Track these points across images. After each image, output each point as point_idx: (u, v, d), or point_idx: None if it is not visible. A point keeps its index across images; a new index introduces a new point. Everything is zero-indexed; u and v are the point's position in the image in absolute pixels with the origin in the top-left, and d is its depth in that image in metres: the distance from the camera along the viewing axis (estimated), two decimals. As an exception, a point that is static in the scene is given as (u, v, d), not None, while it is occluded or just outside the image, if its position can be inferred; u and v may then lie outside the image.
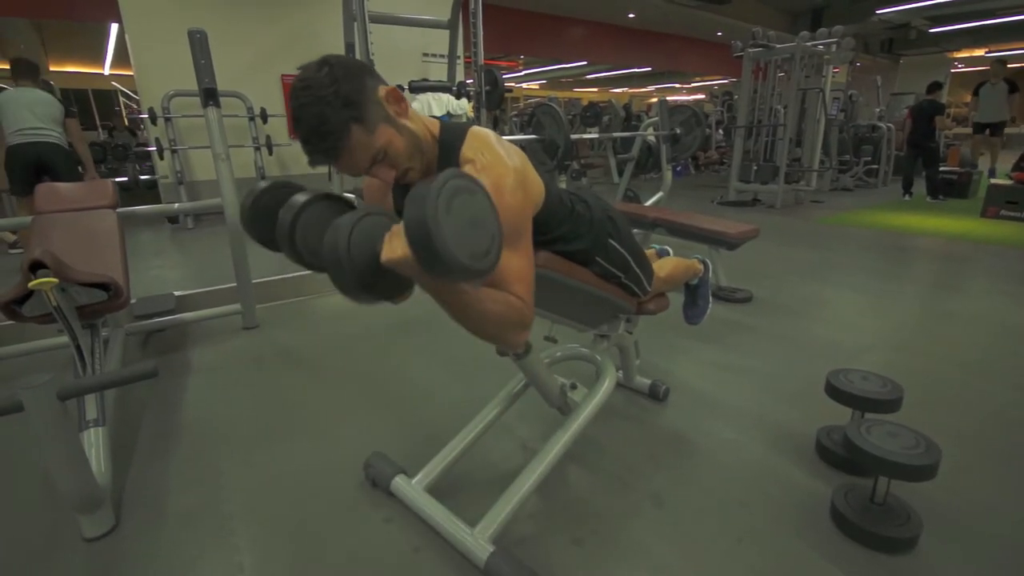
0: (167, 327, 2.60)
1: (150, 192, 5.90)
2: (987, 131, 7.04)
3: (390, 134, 0.95)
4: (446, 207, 0.72)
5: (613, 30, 11.85)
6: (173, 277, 3.57)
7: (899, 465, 1.16)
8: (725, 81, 16.67)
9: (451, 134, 1.03)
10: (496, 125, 9.48)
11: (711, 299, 1.87)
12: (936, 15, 12.07)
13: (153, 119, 5.16)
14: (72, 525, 1.33)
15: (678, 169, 9.38)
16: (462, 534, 1.22)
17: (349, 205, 1.03)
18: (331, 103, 0.87)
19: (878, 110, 9.78)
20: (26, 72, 3.90)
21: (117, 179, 3.65)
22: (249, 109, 5.59)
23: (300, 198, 0.96)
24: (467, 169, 0.98)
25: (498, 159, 0.98)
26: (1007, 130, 7.36)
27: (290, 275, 3.26)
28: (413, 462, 1.46)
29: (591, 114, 8.52)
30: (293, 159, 6.28)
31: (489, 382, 1.78)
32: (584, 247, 1.24)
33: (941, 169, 7.01)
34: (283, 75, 5.90)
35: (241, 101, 5.53)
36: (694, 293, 1.87)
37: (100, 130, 10.38)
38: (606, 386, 1.46)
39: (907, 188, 6.90)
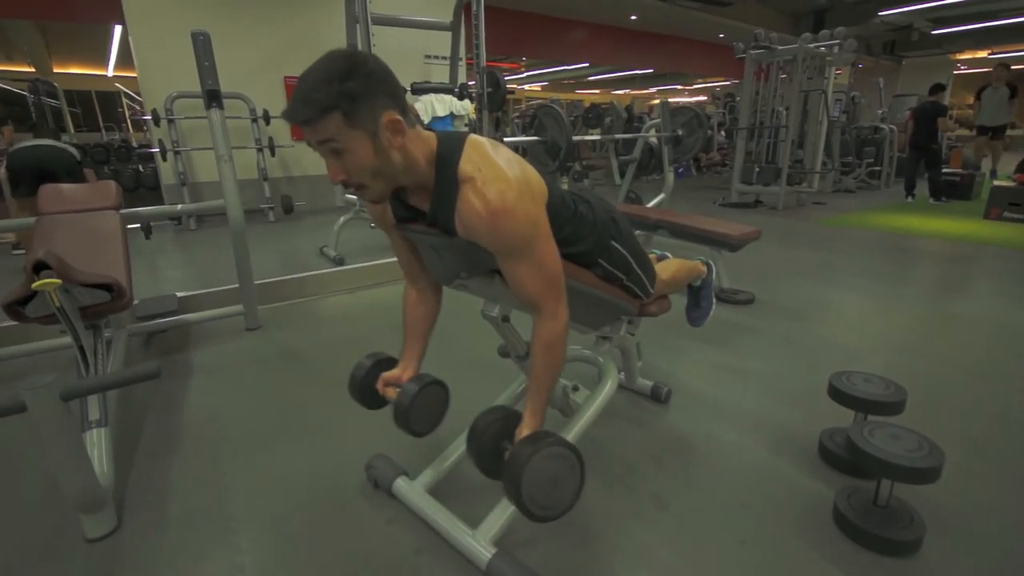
0: (169, 328, 2.61)
1: (152, 193, 5.93)
2: (989, 134, 7.05)
3: (363, 145, 0.93)
4: (531, 483, 1.00)
5: (615, 32, 11.86)
6: (176, 278, 3.58)
7: (902, 468, 1.16)
8: (727, 83, 16.67)
9: (449, 147, 1.01)
10: (498, 127, 9.48)
11: (714, 301, 1.87)
12: (938, 17, 12.06)
13: (156, 121, 5.17)
14: (74, 525, 1.33)
15: (680, 171, 9.38)
16: (464, 536, 1.22)
17: (441, 386, 1.30)
18: (332, 85, 0.88)
19: (880, 112, 9.77)
20: (45, 132, 4.07)
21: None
22: (252, 111, 5.60)
23: (411, 388, 1.24)
24: (467, 188, 0.97)
25: (497, 172, 0.98)
26: (1010, 132, 7.36)
27: (292, 276, 3.26)
28: (415, 464, 1.46)
29: (593, 116, 8.53)
30: (295, 161, 6.29)
31: (491, 383, 1.78)
32: (586, 249, 1.24)
33: (944, 171, 7.00)
34: (286, 77, 5.92)
35: (244, 103, 5.54)
36: (697, 295, 1.87)
37: (103, 131, 10.41)
38: (608, 388, 1.46)
39: (909, 190, 6.90)
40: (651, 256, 1.71)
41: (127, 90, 12.40)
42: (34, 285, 1.53)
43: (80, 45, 10.27)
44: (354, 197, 4.09)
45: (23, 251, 4.37)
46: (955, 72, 16.06)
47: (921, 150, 6.75)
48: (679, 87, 20.63)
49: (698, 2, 9.91)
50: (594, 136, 7.23)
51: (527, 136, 4.74)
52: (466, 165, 0.98)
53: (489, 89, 4.17)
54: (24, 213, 3.93)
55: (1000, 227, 5.20)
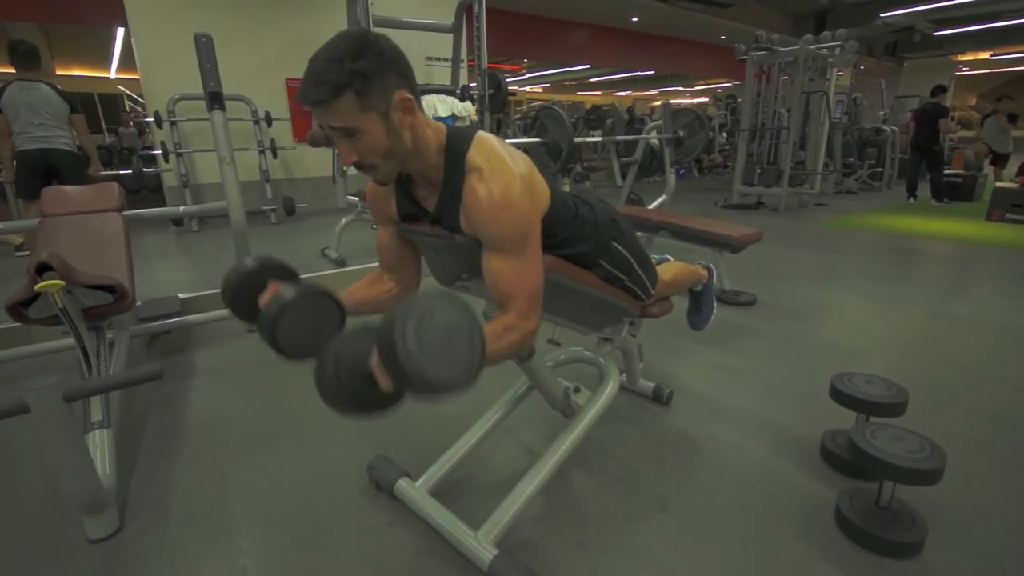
0: (172, 329, 2.61)
1: (154, 195, 5.95)
2: (993, 157, 7.29)
3: (376, 126, 0.93)
4: (415, 335, 0.73)
5: (616, 33, 11.86)
6: (178, 280, 3.59)
7: (904, 469, 1.16)
8: (729, 84, 16.67)
9: (458, 139, 1.03)
10: (499, 128, 9.50)
11: (715, 305, 1.87)
12: (940, 18, 12.05)
13: (159, 122, 5.19)
14: (77, 526, 1.33)
15: (681, 172, 9.38)
16: (466, 537, 1.22)
17: (331, 298, 1.07)
18: (345, 63, 0.87)
19: (882, 113, 9.76)
20: (27, 60, 3.70)
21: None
22: (254, 112, 5.62)
23: (287, 293, 0.98)
24: (473, 176, 0.98)
25: (505, 166, 0.98)
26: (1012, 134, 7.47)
27: (294, 278, 3.27)
28: (417, 465, 1.46)
29: (594, 117, 8.54)
30: (297, 163, 6.31)
31: (492, 385, 1.78)
32: (588, 250, 1.24)
33: (946, 172, 7.01)
34: (287, 79, 5.94)
35: (246, 104, 5.56)
36: (698, 299, 1.87)
37: (106, 133, 10.44)
38: (610, 389, 1.46)
39: (911, 191, 6.89)
40: (652, 259, 1.71)
41: (130, 92, 12.45)
42: (37, 287, 1.54)
43: (83, 47, 10.30)
44: (356, 199, 4.10)
45: (27, 252, 4.38)
46: (957, 73, 16.06)
47: (923, 151, 6.75)
48: (680, 89, 20.64)
49: (699, 4, 9.92)
50: (596, 138, 7.24)
51: (529, 138, 4.74)
52: (475, 156, 0.99)
53: (491, 91, 4.18)
54: (32, 213, 3.94)
55: (1002, 229, 5.19)
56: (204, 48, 2.34)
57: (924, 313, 2.89)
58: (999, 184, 5.82)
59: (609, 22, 11.33)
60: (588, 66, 14.10)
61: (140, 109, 10.39)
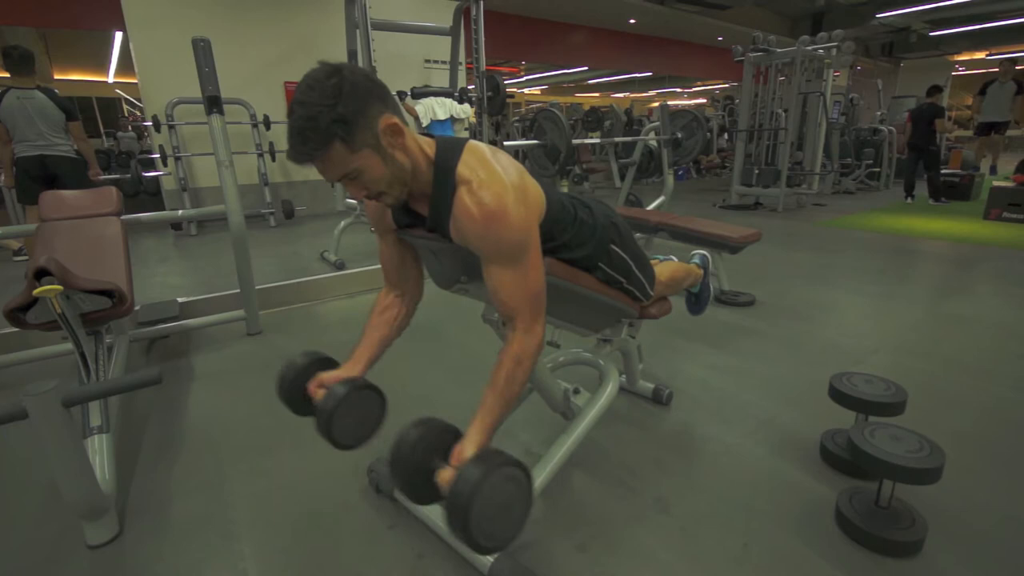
0: (171, 333, 2.61)
1: (153, 199, 5.94)
2: (991, 131, 7.08)
3: (372, 161, 0.94)
4: (479, 529, 0.87)
5: (614, 35, 11.89)
6: (176, 284, 3.58)
7: (903, 468, 1.16)
8: (726, 85, 16.71)
9: (447, 153, 1.02)
10: (498, 130, 9.50)
11: (712, 289, 1.93)
12: (936, 18, 12.10)
13: (157, 126, 5.19)
14: (76, 532, 1.33)
15: (680, 173, 9.40)
16: (466, 540, 1.22)
17: (376, 392, 1.18)
18: (324, 114, 0.87)
19: (879, 113, 9.78)
20: (22, 66, 3.67)
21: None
22: (252, 116, 5.62)
23: (339, 390, 1.10)
24: (463, 190, 0.97)
25: (495, 177, 0.97)
26: (1009, 132, 7.40)
27: (293, 281, 3.27)
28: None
29: (592, 119, 8.55)
30: (295, 167, 6.30)
31: (492, 387, 1.78)
32: (587, 253, 1.25)
33: (943, 172, 7.01)
34: (286, 82, 5.94)
35: (244, 108, 5.56)
36: (697, 295, 1.91)
37: (104, 137, 10.44)
38: (609, 390, 1.46)
39: (909, 191, 6.91)
40: (653, 261, 1.72)
41: (128, 96, 12.45)
42: (35, 292, 1.54)
43: (80, 51, 10.31)
44: (354, 202, 4.11)
45: (25, 257, 4.38)
46: (953, 73, 16.10)
47: (920, 151, 6.76)
48: (678, 90, 20.68)
49: (696, 5, 9.94)
50: (594, 139, 7.25)
51: (527, 140, 4.75)
52: (464, 169, 0.99)
53: (489, 93, 4.18)
54: (34, 219, 3.93)
55: (1000, 227, 5.20)
56: (202, 52, 2.34)
57: (922, 312, 2.90)
58: (996, 183, 5.83)
59: (607, 24, 11.36)
60: (586, 68, 14.14)
61: (138, 113, 10.39)
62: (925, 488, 1.23)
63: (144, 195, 5.90)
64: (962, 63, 16.38)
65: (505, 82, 4.27)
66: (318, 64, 0.92)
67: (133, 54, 5.24)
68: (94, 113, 12.62)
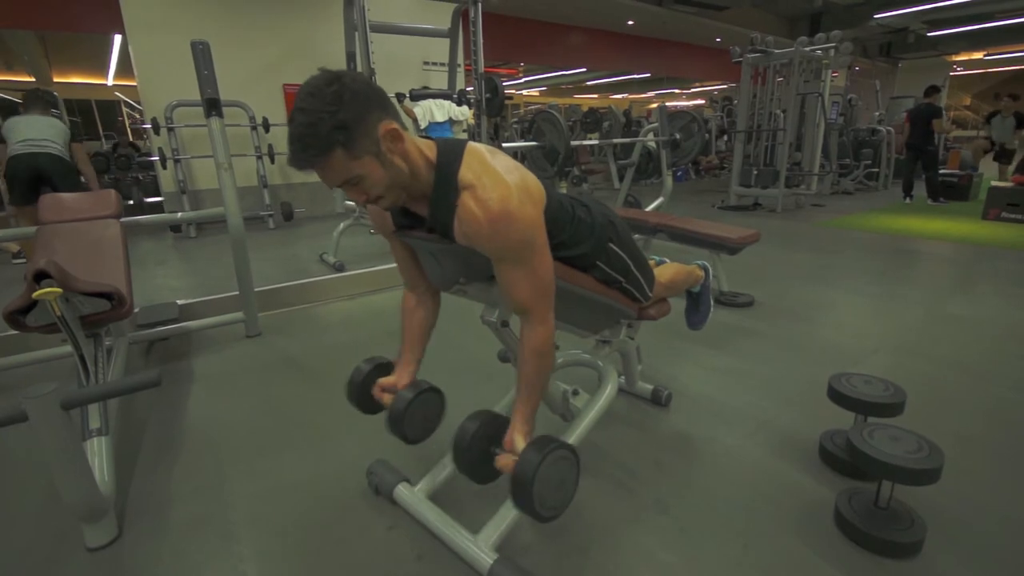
0: (170, 336, 2.61)
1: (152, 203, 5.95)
2: (997, 154, 7.46)
3: (373, 166, 0.96)
4: (541, 499, 1.03)
5: (612, 37, 11.90)
6: (176, 286, 3.58)
7: (902, 469, 1.16)
8: (724, 86, 16.73)
9: (448, 156, 1.02)
10: (497, 132, 9.51)
11: (712, 304, 1.87)
12: (934, 19, 12.12)
13: (156, 129, 5.19)
14: (75, 534, 1.33)
15: (679, 174, 9.41)
16: (465, 542, 1.22)
17: (437, 394, 1.32)
18: (325, 121, 0.88)
19: (877, 114, 9.79)
20: (37, 103, 3.96)
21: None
22: (251, 118, 5.62)
23: (407, 394, 1.25)
24: (467, 195, 0.99)
25: (497, 180, 0.99)
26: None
27: (292, 283, 3.27)
28: (416, 469, 1.46)
29: (591, 120, 8.55)
30: (294, 169, 6.31)
31: (491, 389, 1.78)
32: (585, 252, 1.25)
33: (942, 172, 7.04)
34: (285, 84, 5.94)
35: (243, 110, 5.56)
36: (696, 300, 1.87)
37: (103, 140, 10.44)
38: (608, 392, 1.46)
39: (907, 191, 6.92)
40: (651, 261, 1.72)
41: (127, 99, 12.46)
42: (35, 294, 1.54)
43: (80, 54, 10.31)
44: (353, 203, 4.11)
45: (23, 260, 4.37)
46: (951, 74, 16.13)
47: (918, 151, 6.78)
48: (677, 91, 20.70)
49: (694, 7, 9.95)
50: (592, 140, 7.25)
51: (526, 141, 4.75)
52: (466, 173, 0.99)
53: (487, 95, 4.19)
54: (23, 220, 3.93)
55: (998, 227, 5.21)
56: (201, 55, 2.35)
57: (921, 313, 2.90)
58: (995, 183, 5.84)
59: (605, 26, 11.37)
60: (585, 69, 14.15)
61: (138, 116, 10.39)
62: (924, 489, 1.23)
63: (144, 200, 5.91)
64: (960, 63, 16.43)
65: (503, 84, 4.28)
66: (318, 71, 0.93)
67: (132, 57, 5.25)
68: (94, 116, 12.62)
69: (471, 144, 1.05)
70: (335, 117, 0.88)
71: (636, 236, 2.95)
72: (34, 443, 1.12)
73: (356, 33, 4.11)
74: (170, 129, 5.24)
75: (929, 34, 13.34)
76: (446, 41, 5.16)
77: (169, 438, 1.83)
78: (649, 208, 4.50)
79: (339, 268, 3.71)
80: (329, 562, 1.28)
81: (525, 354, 1.12)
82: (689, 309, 1.90)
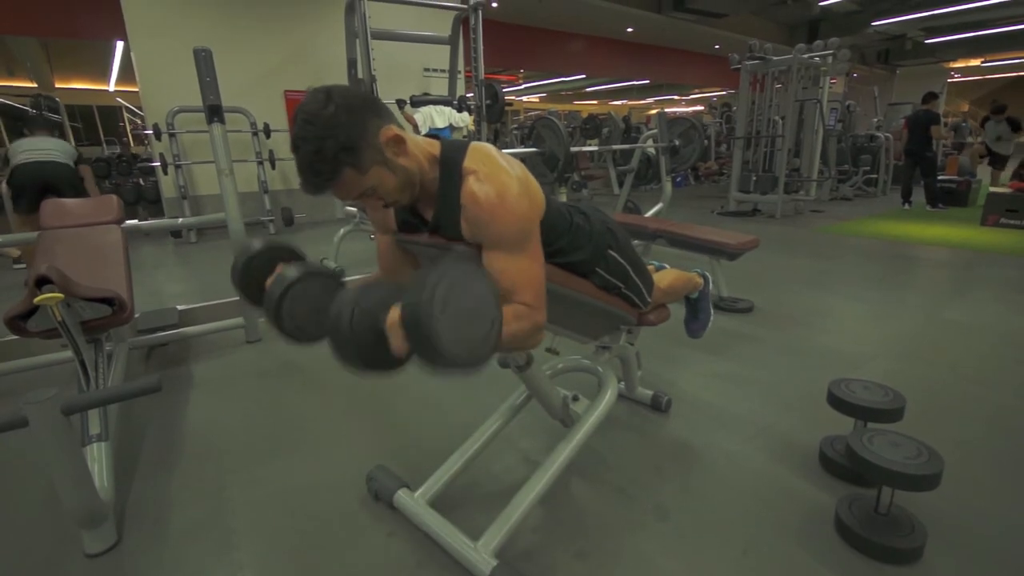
0: (170, 341, 2.61)
1: (152, 206, 5.96)
2: (991, 159, 7.47)
3: (382, 174, 0.98)
4: (442, 306, 0.74)
5: (612, 44, 11.97)
6: (176, 291, 3.59)
7: (902, 475, 1.16)
8: (723, 93, 16.80)
9: (452, 150, 1.05)
10: (496, 138, 9.54)
11: (712, 312, 1.88)
12: (931, 26, 12.19)
13: (158, 135, 5.21)
14: (75, 540, 1.33)
15: (678, 180, 9.43)
16: (465, 548, 1.22)
17: (337, 281, 1.10)
18: (329, 146, 0.90)
19: (876, 120, 9.84)
20: (41, 126, 4.05)
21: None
22: (252, 124, 5.65)
23: (290, 273, 1.01)
24: (470, 179, 1.00)
25: (500, 168, 1.01)
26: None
27: (292, 288, 3.27)
28: (416, 475, 1.46)
29: (591, 126, 8.58)
30: (295, 173, 6.32)
31: (491, 395, 1.78)
32: (584, 258, 1.25)
33: (940, 178, 7.06)
34: (286, 90, 5.98)
35: (244, 116, 5.59)
36: (695, 307, 1.87)
37: (104, 145, 10.47)
38: (608, 397, 1.46)
39: (906, 197, 6.94)
40: (649, 267, 1.72)
41: (128, 104, 12.50)
42: (36, 300, 1.54)
43: (82, 60, 10.36)
44: (354, 209, 4.12)
45: (24, 266, 4.38)
46: (949, 80, 16.19)
47: (916, 158, 6.80)
48: (676, 97, 20.78)
49: (693, 14, 10.01)
50: (592, 147, 7.27)
51: (525, 147, 4.77)
52: (470, 162, 1.02)
53: (487, 101, 4.21)
54: (26, 228, 3.93)
55: (997, 233, 5.22)
56: (203, 62, 2.36)
57: (921, 319, 2.90)
58: (993, 189, 5.86)
59: (605, 33, 11.44)
60: (584, 76, 14.21)
61: (139, 121, 10.42)
62: (924, 495, 1.23)
63: (144, 202, 5.93)
64: (957, 70, 16.52)
65: (503, 90, 4.30)
66: (308, 92, 0.93)
67: (134, 63, 5.28)
68: (95, 121, 12.66)
69: (476, 142, 1.07)
70: (337, 140, 0.90)
71: (635, 242, 2.96)
72: (34, 448, 1.12)
73: (357, 40, 4.13)
74: (171, 135, 5.26)
75: (926, 41, 13.43)
76: (446, 48, 5.19)
77: (169, 444, 1.83)
78: (648, 214, 4.51)
79: (340, 273, 3.71)
80: (329, 569, 1.27)
81: (505, 311, 0.93)
82: (688, 317, 1.89)
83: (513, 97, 18.19)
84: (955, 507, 1.41)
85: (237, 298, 2.69)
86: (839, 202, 7.68)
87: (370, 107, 0.96)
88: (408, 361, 0.88)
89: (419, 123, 4.56)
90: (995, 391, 2.07)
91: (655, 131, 4.66)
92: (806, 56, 6.27)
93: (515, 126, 11.84)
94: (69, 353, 1.75)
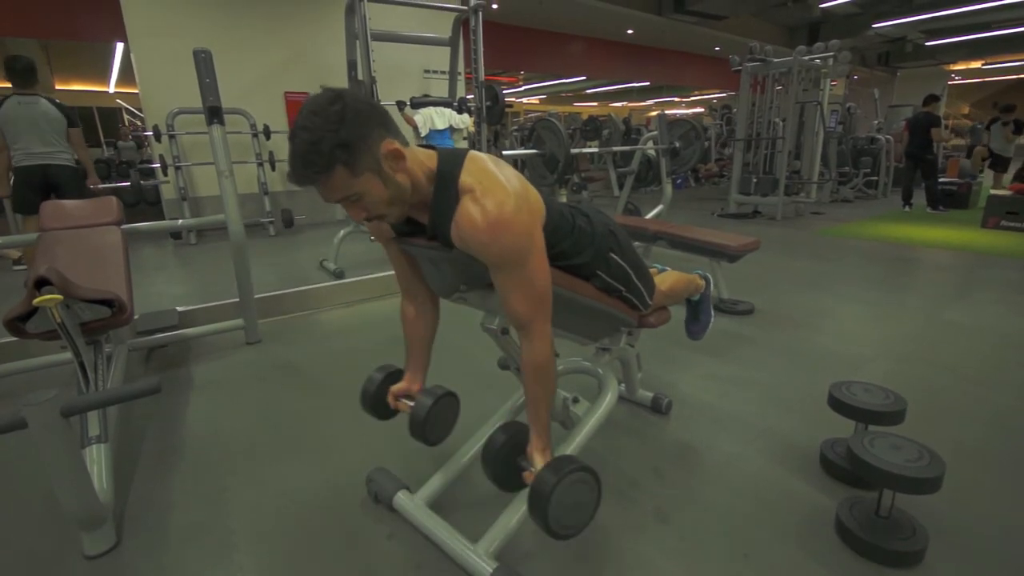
0: (170, 343, 2.61)
1: (152, 207, 5.96)
2: (992, 161, 7.55)
3: (373, 184, 0.97)
4: (557, 520, 1.06)
5: (612, 46, 11.99)
6: (176, 292, 3.59)
7: (904, 478, 1.15)
8: (724, 95, 16.81)
9: (449, 163, 1.04)
10: (497, 140, 9.54)
11: (712, 314, 1.87)
12: (931, 28, 12.20)
13: (157, 136, 5.21)
14: (74, 542, 1.33)
15: (678, 182, 9.43)
16: (464, 550, 1.21)
17: (453, 397, 1.36)
18: (327, 139, 0.89)
19: (876, 122, 9.85)
20: (25, 76, 3.68)
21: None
22: (252, 126, 5.65)
23: (427, 400, 1.29)
24: (467, 198, 0.99)
25: (497, 184, 1.00)
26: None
27: (292, 290, 3.27)
28: (415, 477, 1.46)
29: (591, 128, 8.59)
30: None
31: (491, 396, 1.78)
32: (586, 261, 1.25)
33: (941, 180, 7.06)
34: (286, 92, 5.97)
35: (244, 118, 5.59)
36: (696, 308, 1.87)
37: (104, 147, 10.48)
38: (608, 399, 1.46)
39: (907, 199, 6.94)
40: (652, 270, 1.72)
41: (129, 106, 12.51)
42: (35, 301, 1.54)
43: (82, 62, 10.38)
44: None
45: (23, 267, 4.38)
46: (949, 82, 16.20)
47: (917, 160, 6.81)
48: (676, 99, 20.80)
49: (693, 16, 10.03)
50: (592, 148, 7.28)
51: (526, 149, 4.77)
52: (466, 178, 1.01)
53: (488, 103, 4.21)
54: (29, 228, 3.93)
55: (998, 236, 5.22)
56: (203, 63, 2.36)
57: (921, 321, 2.90)
58: (994, 191, 5.86)
59: (605, 35, 11.46)
60: (584, 78, 14.22)
61: (139, 123, 10.44)
62: (926, 498, 1.23)
63: (144, 204, 5.92)
64: (958, 72, 16.53)
65: (503, 92, 4.30)
66: (320, 89, 0.94)
67: (134, 65, 5.28)
68: (95, 123, 12.67)
69: (473, 152, 1.06)
70: (337, 135, 0.89)
71: (636, 243, 2.96)
72: (33, 450, 1.11)
73: (357, 41, 4.13)
74: (171, 136, 5.26)
75: (927, 43, 13.44)
76: (447, 49, 5.19)
77: (168, 445, 1.82)
78: (649, 216, 4.51)
79: (339, 275, 3.71)
80: (329, 570, 1.27)
81: (528, 372, 1.13)
82: (689, 319, 1.89)
83: (513, 99, 18.20)
84: (956, 510, 1.40)
85: (237, 299, 2.69)
86: (839, 204, 7.69)
87: (378, 117, 0.96)
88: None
89: (419, 125, 4.56)
90: (996, 393, 2.06)
91: (655, 133, 4.66)
92: (807, 58, 6.28)
93: (515, 128, 11.85)
94: (68, 355, 1.74)
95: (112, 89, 12.03)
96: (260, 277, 2.71)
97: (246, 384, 2.30)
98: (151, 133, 5.24)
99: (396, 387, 1.37)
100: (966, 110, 19.27)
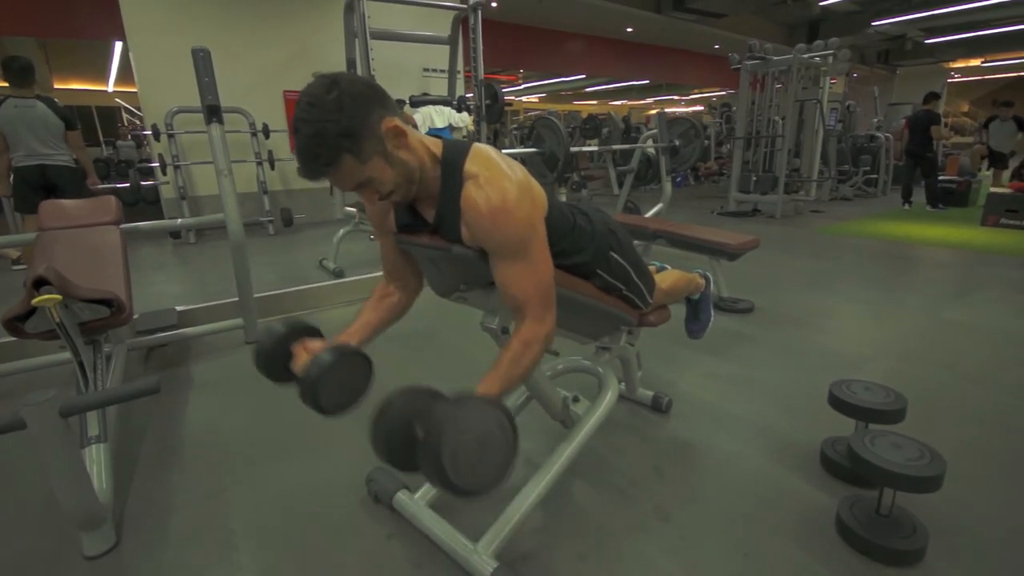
0: (169, 342, 2.60)
1: (152, 207, 5.95)
2: (998, 160, 7.49)
3: (381, 166, 0.97)
4: (453, 463, 0.83)
5: (611, 44, 11.97)
6: (175, 292, 3.58)
7: (904, 477, 1.15)
8: (723, 93, 16.80)
9: (454, 151, 1.05)
10: (496, 138, 9.54)
11: (713, 313, 1.87)
12: (931, 26, 12.19)
13: (156, 135, 5.20)
14: (73, 542, 1.32)
15: (678, 180, 9.42)
16: (465, 550, 1.21)
17: (363, 357, 1.14)
18: (330, 130, 0.89)
19: (876, 120, 9.84)
20: (22, 77, 3.65)
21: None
22: (251, 124, 5.64)
23: (326, 358, 1.06)
24: (470, 184, 1.00)
25: (501, 172, 1.00)
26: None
27: (292, 289, 3.27)
28: (415, 477, 1.45)
29: (590, 126, 8.57)
30: (295, 175, 6.31)
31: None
32: (585, 260, 1.25)
33: (940, 178, 7.06)
34: (285, 91, 5.96)
35: (243, 117, 5.58)
36: (696, 307, 1.87)
37: (103, 146, 10.46)
38: (608, 398, 1.45)
39: (906, 197, 6.94)
40: (651, 267, 1.71)
41: (127, 105, 12.49)
42: (34, 301, 1.53)
43: (80, 61, 10.35)
44: (353, 210, 4.12)
45: (23, 267, 4.37)
46: (949, 80, 16.18)
47: (916, 158, 6.80)
48: (676, 97, 20.78)
49: (692, 14, 10.02)
50: (592, 147, 7.27)
51: (525, 147, 4.77)
52: (471, 165, 1.01)
53: (487, 101, 4.20)
54: (31, 228, 3.92)
55: (997, 234, 5.22)
56: (202, 62, 2.36)
57: (922, 319, 2.90)
58: (993, 189, 5.86)
59: (604, 33, 11.44)
60: (584, 76, 14.22)
61: (138, 122, 10.42)
62: (926, 496, 1.23)
63: (143, 203, 5.92)
64: (957, 70, 16.51)
65: (503, 90, 4.29)
66: (314, 77, 0.93)
67: (133, 63, 5.27)
68: (94, 122, 12.65)
69: (478, 144, 1.06)
70: (339, 125, 0.89)
71: (636, 242, 2.95)
72: (32, 450, 1.11)
73: (356, 40, 4.12)
74: (170, 135, 5.25)
75: (926, 41, 13.42)
76: (446, 48, 5.18)
77: (168, 445, 1.82)
78: (648, 214, 4.51)
79: (339, 274, 3.71)
80: (328, 570, 1.27)
81: (511, 341, 1.05)
82: (689, 317, 1.89)
83: (513, 97, 18.18)
84: (957, 508, 1.40)
85: (237, 299, 2.69)
86: (839, 202, 7.68)
87: (375, 97, 0.95)
88: None
89: (419, 123, 4.56)
90: (996, 392, 2.06)
91: (655, 131, 4.65)
92: (806, 56, 6.27)
93: (515, 126, 11.84)
94: (67, 355, 1.74)
95: (111, 88, 12.01)
96: (259, 276, 2.70)
97: (246, 384, 2.30)
98: (150, 132, 5.23)
99: (312, 343, 1.16)
100: (965, 108, 19.25)
